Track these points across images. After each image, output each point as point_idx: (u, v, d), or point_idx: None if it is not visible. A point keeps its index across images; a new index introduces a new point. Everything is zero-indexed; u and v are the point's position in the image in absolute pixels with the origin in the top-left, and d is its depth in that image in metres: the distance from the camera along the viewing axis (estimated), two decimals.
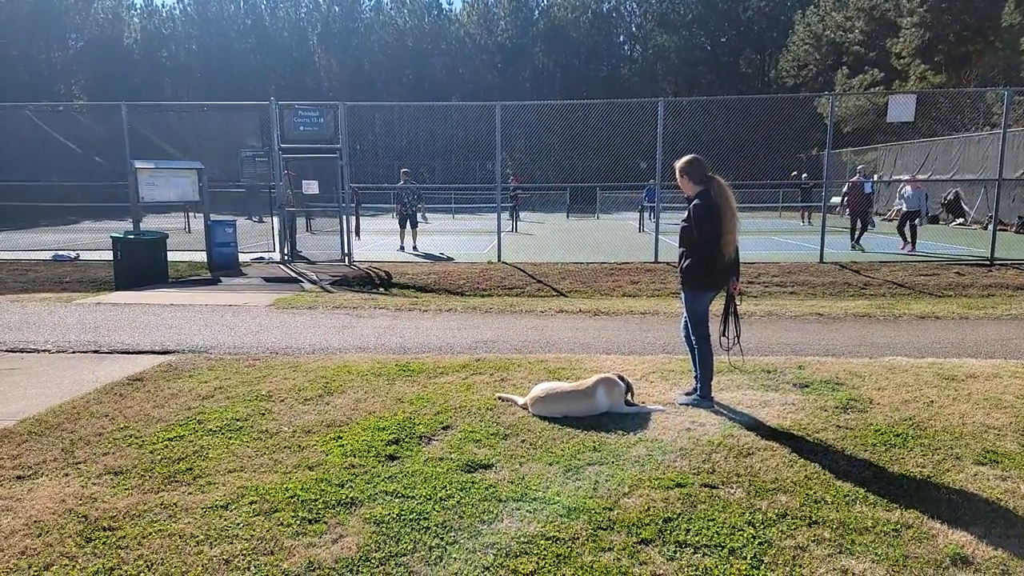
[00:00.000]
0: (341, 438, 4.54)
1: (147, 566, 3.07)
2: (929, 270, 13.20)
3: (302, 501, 3.65)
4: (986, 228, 21.38)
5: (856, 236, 17.26)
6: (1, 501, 3.70)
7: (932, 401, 5.28)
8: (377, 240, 20.69)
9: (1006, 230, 21.52)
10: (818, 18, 49.79)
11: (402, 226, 18.37)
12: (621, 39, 70.49)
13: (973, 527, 3.39)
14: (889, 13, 41.12)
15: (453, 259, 15.94)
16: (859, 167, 17.35)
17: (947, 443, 4.45)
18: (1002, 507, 3.61)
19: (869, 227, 18.02)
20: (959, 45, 37.74)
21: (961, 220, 26.54)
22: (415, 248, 17.87)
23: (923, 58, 38.87)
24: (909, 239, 16.68)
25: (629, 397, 5.16)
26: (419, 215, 19.09)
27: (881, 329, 8.42)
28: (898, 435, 4.58)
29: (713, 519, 3.47)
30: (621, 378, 5.18)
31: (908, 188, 17.34)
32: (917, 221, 16.99)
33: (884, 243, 17.95)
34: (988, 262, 13.81)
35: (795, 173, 26.93)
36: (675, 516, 3.50)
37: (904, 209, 17.08)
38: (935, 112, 29.21)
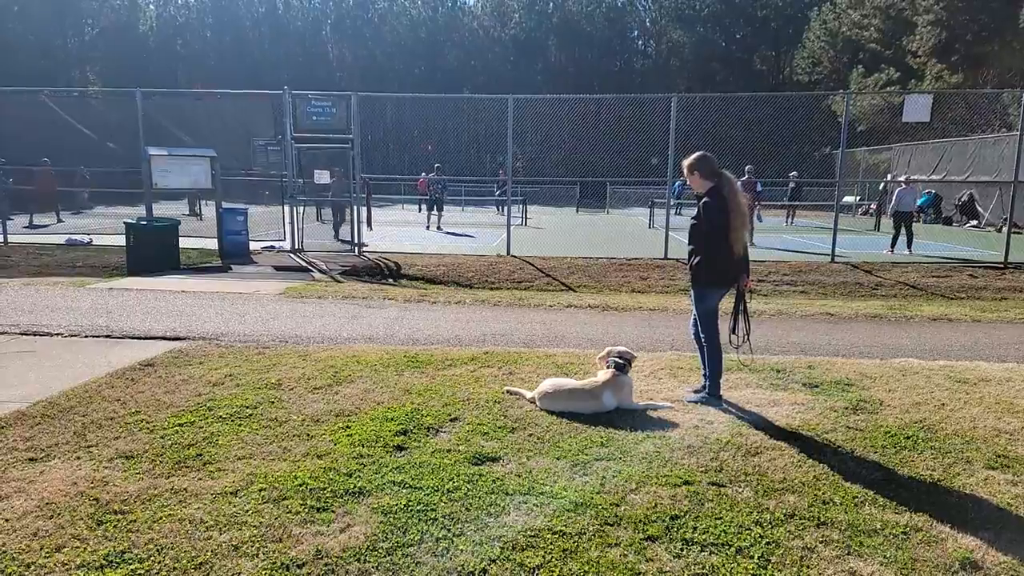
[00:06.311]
0: (350, 428, 4.56)
1: (157, 550, 3.10)
2: (942, 272, 13.12)
3: (311, 489, 3.67)
4: (1000, 231, 21.18)
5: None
6: (14, 483, 3.73)
7: (943, 404, 5.25)
8: (388, 231, 20.71)
9: (1021, 233, 21.29)
10: (834, 15, 49.34)
11: (430, 209, 22.06)
12: (635, 34, 70.33)
13: (983, 532, 3.38)
14: (905, 12, 40.75)
15: (474, 236, 16.55)
16: (747, 168, 17.06)
17: (958, 447, 4.43)
18: (1012, 512, 3.60)
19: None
20: (976, 45, 37.36)
21: (975, 222, 26.34)
22: (439, 228, 21.24)
23: (939, 57, 38.52)
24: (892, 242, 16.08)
25: (628, 369, 5.15)
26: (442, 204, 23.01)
27: (892, 330, 8.38)
28: (908, 437, 4.56)
29: (720, 517, 3.47)
30: (622, 355, 5.16)
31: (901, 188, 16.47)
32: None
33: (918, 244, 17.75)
34: (1002, 265, 13.70)
35: (794, 173, 26.55)
36: (682, 513, 3.50)
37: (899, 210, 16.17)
38: (951, 113, 28.92)
